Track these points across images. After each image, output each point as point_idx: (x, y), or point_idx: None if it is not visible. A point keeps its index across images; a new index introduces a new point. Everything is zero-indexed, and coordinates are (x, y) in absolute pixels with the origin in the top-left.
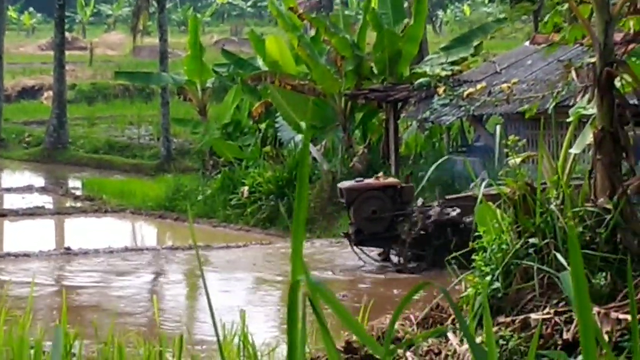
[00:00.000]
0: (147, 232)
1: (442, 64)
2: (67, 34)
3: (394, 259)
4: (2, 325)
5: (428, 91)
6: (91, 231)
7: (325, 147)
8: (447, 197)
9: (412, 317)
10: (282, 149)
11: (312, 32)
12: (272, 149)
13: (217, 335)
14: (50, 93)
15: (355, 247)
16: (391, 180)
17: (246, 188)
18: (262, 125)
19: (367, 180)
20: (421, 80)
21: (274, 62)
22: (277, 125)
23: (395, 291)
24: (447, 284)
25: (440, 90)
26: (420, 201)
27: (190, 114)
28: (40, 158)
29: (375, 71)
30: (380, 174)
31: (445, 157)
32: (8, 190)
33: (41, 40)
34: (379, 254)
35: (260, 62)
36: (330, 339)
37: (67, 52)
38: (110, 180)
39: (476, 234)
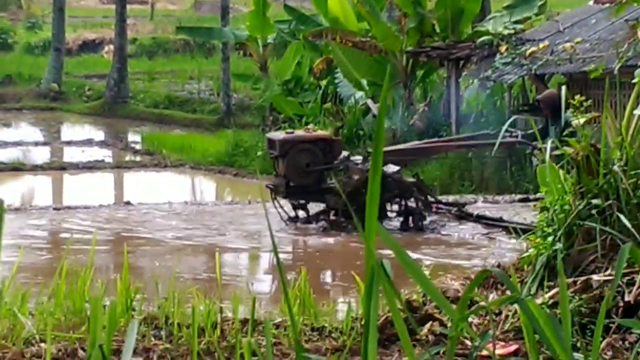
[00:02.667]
0: (206, 187)
1: (504, 22)
2: None
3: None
4: (63, 280)
5: (490, 49)
6: (150, 185)
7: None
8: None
9: (472, 276)
10: (342, 105)
11: None
12: (332, 105)
13: (285, 291)
14: (111, 47)
15: (276, 202)
16: (322, 132)
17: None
18: (323, 82)
19: (298, 132)
20: (483, 38)
21: (336, 19)
22: (337, 82)
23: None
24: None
25: (503, 48)
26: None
27: (251, 70)
28: (101, 112)
29: (437, 29)
30: (310, 125)
31: (512, 118)
32: (68, 143)
33: None
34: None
35: (321, 18)
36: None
37: (128, 6)
38: (170, 135)
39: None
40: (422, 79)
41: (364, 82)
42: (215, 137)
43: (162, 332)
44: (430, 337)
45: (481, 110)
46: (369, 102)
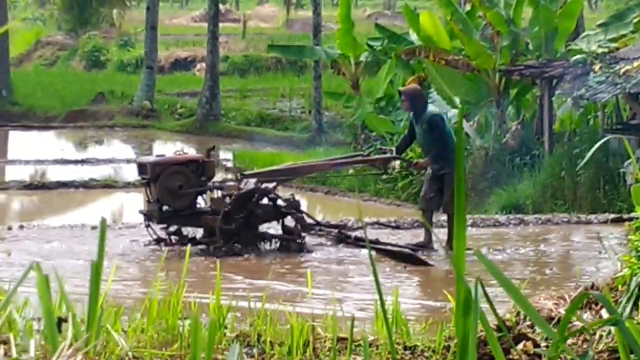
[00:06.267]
0: None
1: (598, 40)
2: (220, 6)
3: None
4: (156, 297)
5: (584, 68)
6: None
7: (479, 122)
8: (246, 172)
9: (565, 296)
10: None
11: (467, 7)
12: None
13: (383, 310)
14: (203, 65)
15: (150, 228)
16: (193, 155)
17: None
18: None
19: (169, 155)
20: (577, 56)
21: (428, 37)
22: (430, 100)
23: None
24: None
25: (596, 67)
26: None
27: (343, 88)
28: (192, 129)
29: (531, 47)
30: (181, 149)
31: (606, 139)
32: None
33: (194, 12)
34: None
35: (414, 36)
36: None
37: (220, 24)
38: (261, 153)
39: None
40: (515, 97)
41: (457, 100)
42: (307, 155)
43: (254, 350)
44: (524, 357)
45: (574, 129)
46: None
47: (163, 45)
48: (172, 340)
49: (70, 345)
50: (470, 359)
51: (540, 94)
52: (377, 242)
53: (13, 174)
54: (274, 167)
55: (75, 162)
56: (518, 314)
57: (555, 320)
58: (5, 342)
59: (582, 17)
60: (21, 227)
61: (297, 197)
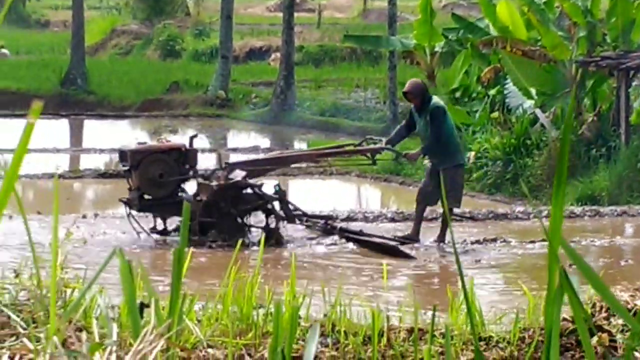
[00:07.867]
0: (372, 196)
1: None
2: None
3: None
4: (231, 286)
5: None
6: (316, 193)
7: (554, 114)
8: (232, 162)
9: None
10: (510, 115)
11: None
12: (500, 115)
13: (467, 302)
14: (278, 54)
15: (132, 218)
16: (176, 143)
17: (473, 153)
18: (491, 91)
19: (150, 143)
20: None
21: (505, 27)
22: (506, 91)
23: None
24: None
25: None
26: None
27: (418, 78)
28: (267, 119)
29: (608, 38)
30: (163, 136)
31: None
32: (234, 150)
33: (270, 1)
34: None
35: (490, 26)
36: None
37: (295, 14)
38: (335, 143)
39: None
40: (592, 88)
41: (533, 91)
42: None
43: (329, 340)
44: (599, 349)
45: None
46: (537, 111)
47: (238, 35)
48: (246, 329)
49: (153, 330)
50: (554, 348)
51: (617, 85)
52: (360, 233)
53: (88, 162)
54: (260, 157)
55: None
56: (594, 305)
57: (632, 313)
58: (81, 330)
59: None
60: (96, 215)
61: (282, 187)
